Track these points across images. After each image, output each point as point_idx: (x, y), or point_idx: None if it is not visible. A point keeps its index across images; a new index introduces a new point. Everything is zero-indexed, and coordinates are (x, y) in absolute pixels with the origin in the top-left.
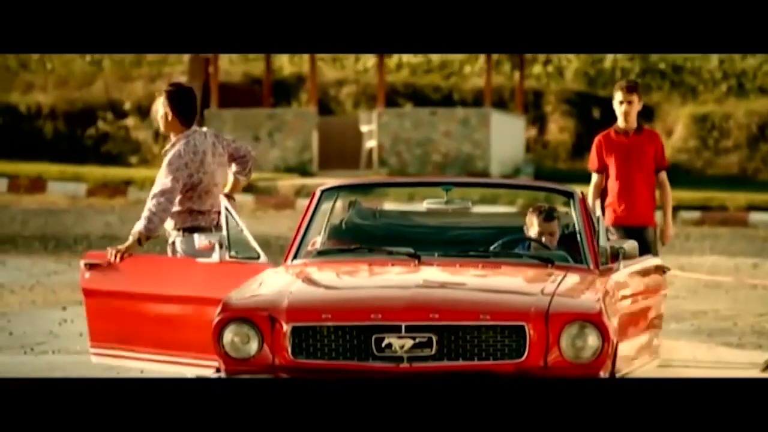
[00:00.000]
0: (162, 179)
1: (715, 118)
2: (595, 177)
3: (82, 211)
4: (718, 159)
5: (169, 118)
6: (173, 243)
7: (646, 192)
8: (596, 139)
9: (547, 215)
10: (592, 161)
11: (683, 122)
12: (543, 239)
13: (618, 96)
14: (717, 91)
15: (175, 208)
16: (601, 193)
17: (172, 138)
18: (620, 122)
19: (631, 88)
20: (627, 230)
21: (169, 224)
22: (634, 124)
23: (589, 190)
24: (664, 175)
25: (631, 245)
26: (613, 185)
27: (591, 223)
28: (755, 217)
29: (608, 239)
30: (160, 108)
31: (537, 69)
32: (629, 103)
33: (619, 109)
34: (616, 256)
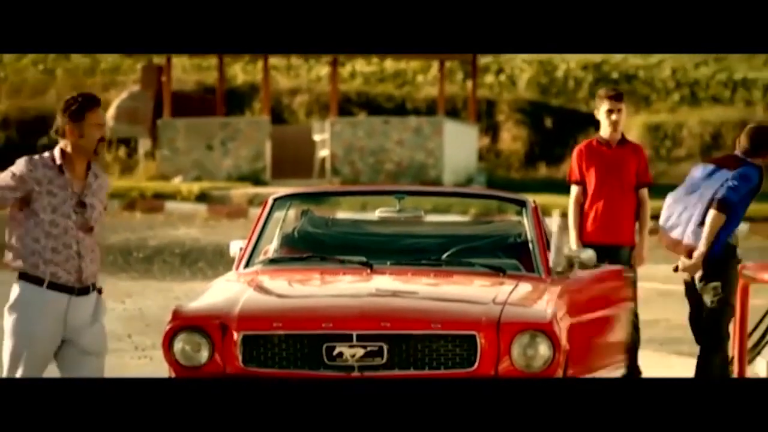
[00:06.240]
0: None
1: (668, 128)
2: (574, 189)
3: None
4: (671, 168)
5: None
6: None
7: (624, 208)
8: (577, 149)
9: (618, 96)
10: (572, 172)
11: (636, 131)
12: (613, 117)
13: (605, 105)
14: (670, 101)
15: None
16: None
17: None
18: (605, 132)
19: (619, 96)
20: (600, 249)
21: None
22: (620, 135)
23: (570, 205)
24: (645, 192)
25: (587, 254)
26: (590, 199)
27: (543, 232)
28: None
29: (564, 248)
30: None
31: (490, 78)
32: (618, 111)
33: (607, 119)
34: (572, 265)
